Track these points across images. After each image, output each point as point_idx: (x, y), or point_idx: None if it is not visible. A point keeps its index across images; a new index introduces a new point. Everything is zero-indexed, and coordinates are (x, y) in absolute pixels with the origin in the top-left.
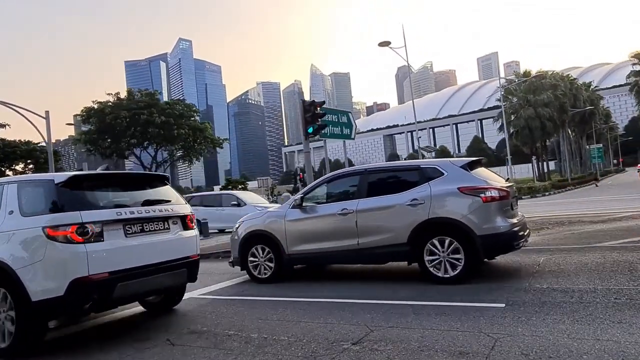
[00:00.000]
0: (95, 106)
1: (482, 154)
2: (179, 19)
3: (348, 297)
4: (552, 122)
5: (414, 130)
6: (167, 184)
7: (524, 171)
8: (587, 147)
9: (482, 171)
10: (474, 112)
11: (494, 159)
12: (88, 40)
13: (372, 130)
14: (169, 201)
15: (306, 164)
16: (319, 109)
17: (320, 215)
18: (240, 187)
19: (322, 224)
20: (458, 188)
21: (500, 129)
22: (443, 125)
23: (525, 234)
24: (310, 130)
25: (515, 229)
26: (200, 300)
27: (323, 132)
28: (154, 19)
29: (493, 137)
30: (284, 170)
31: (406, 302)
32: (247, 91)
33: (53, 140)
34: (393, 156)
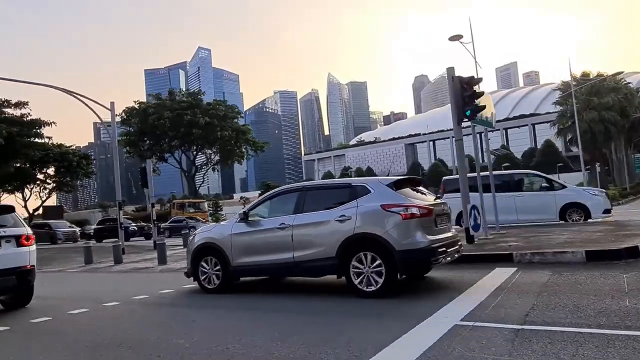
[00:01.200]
0: (137, 106)
1: (512, 163)
2: (199, 28)
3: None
4: (615, 127)
5: (437, 140)
6: (11, 212)
7: (573, 180)
8: (633, 156)
9: (409, 190)
10: (499, 120)
11: (544, 166)
12: (108, 48)
13: (394, 138)
14: (5, 226)
15: (459, 154)
16: (476, 88)
17: (262, 229)
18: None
19: (263, 237)
20: (381, 205)
21: (560, 133)
22: (466, 135)
23: (451, 250)
24: (469, 112)
25: (435, 245)
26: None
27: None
28: (173, 28)
29: (519, 146)
30: (304, 179)
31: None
32: (264, 100)
33: (74, 146)
34: (415, 165)
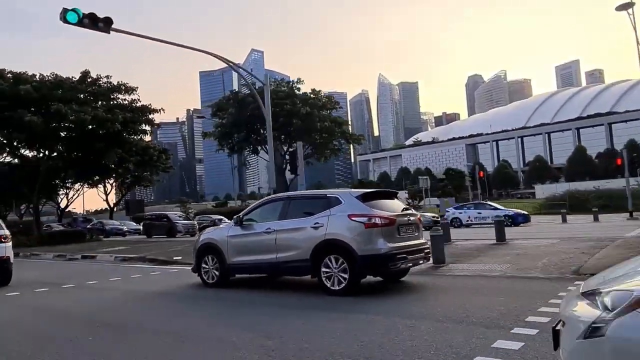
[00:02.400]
0: (232, 97)
1: (588, 165)
2: (252, 30)
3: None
4: None
5: (501, 140)
6: None
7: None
8: None
9: (377, 202)
10: (571, 120)
11: (599, 171)
12: (165, 50)
13: (454, 139)
14: None
15: None
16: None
17: (252, 233)
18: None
19: (253, 240)
20: (348, 215)
21: None
22: (533, 135)
23: (412, 257)
24: None
25: (395, 252)
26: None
27: None
28: (228, 31)
29: (594, 147)
30: (358, 178)
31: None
32: None
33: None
34: (476, 166)
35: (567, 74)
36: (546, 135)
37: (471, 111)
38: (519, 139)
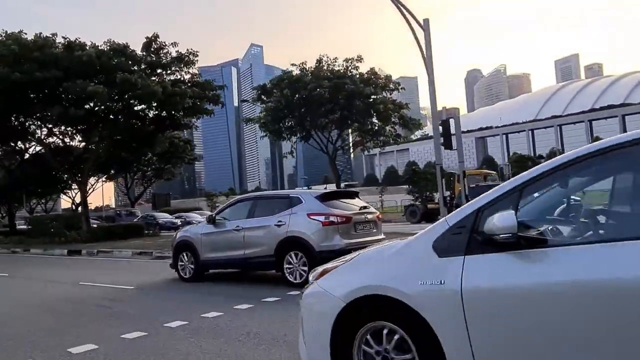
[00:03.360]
0: (285, 77)
1: None
2: (251, 25)
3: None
4: None
5: (511, 133)
6: None
7: None
8: None
9: (336, 202)
10: (583, 112)
11: None
12: None
13: (463, 132)
14: None
15: None
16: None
17: (223, 230)
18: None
19: (223, 237)
20: (307, 214)
21: None
22: (545, 127)
23: None
24: None
25: (351, 247)
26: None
27: None
28: (226, 26)
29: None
30: (364, 175)
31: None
32: None
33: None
34: (487, 160)
35: (566, 68)
36: (558, 127)
37: (470, 106)
38: (530, 132)
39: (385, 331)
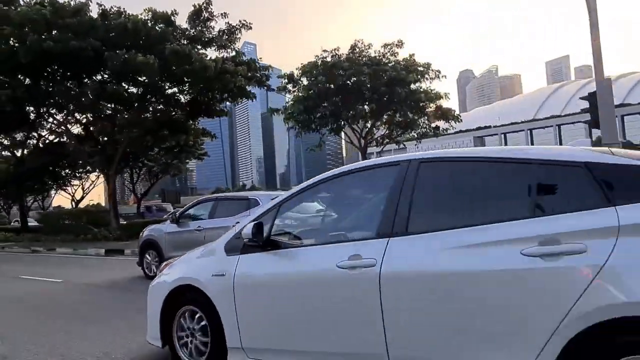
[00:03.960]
0: (319, 63)
1: None
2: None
3: None
4: None
5: (509, 132)
6: None
7: None
8: None
9: None
10: (584, 111)
11: None
12: None
13: (460, 131)
14: None
15: None
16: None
17: (186, 230)
18: None
19: (186, 237)
20: None
21: None
22: (543, 127)
23: None
24: None
25: None
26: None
27: None
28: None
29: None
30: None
31: None
32: None
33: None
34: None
35: (557, 69)
36: (557, 127)
37: (462, 106)
38: (528, 132)
39: (191, 312)
